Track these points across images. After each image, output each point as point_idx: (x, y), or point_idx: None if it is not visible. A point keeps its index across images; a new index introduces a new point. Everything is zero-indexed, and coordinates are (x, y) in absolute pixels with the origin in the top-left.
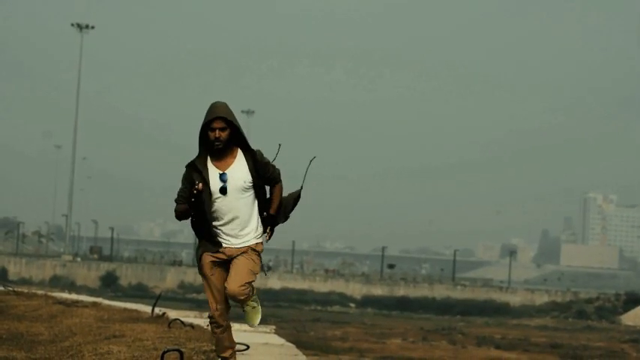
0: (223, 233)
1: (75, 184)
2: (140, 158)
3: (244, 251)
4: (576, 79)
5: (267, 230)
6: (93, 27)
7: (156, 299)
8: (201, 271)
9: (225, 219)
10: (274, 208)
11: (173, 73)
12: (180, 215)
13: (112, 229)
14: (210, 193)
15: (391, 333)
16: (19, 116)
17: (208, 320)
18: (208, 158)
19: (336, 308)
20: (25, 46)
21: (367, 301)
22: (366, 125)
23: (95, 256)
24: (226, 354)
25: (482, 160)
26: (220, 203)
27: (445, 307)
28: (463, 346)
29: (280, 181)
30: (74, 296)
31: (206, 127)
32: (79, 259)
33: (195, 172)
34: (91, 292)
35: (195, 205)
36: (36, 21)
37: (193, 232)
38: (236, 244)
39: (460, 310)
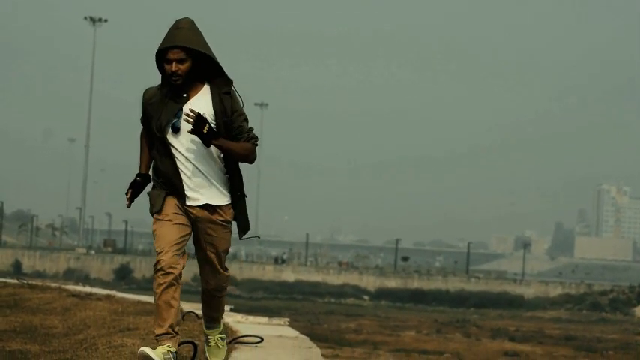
0: (186, 184)
1: (88, 177)
2: None
3: (211, 221)
4: (591, 70)
5: (189, 114)
6: (106, 20)
7: None
8: (156, 210)
9: (180, 165)
10: (227, 141)
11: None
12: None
13: (126, 222)
14: (161, 131)
15: (405, 325)
16: (32, 110)
17: (154, 270)
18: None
19: (350, 301)
20: (37, 40)
21: (381, 294)
22: (379, 117)
23: (109, 248)
24: (162, 329)
25: (496, 152)
26: (174, 145)
27: (459, 299)
28: (477, 339)
29: (253, 145)
30: (88, 289)
31: (161, 57)
32: (92, 251)
33: (148, 104)
34: (104, 284)
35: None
36: (49, 15)
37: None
38: (200, 201)
39: (474, 303)
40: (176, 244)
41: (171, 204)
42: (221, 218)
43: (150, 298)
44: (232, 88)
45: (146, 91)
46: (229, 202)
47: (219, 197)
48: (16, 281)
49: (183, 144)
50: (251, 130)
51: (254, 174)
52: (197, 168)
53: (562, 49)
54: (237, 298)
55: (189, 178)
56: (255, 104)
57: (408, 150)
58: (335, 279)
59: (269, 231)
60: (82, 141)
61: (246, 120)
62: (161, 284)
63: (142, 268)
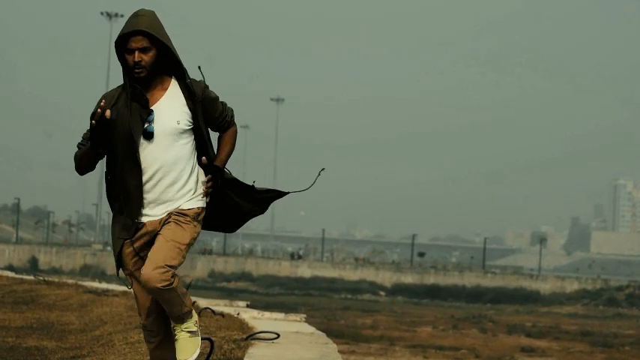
0: (146, 200)
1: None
2: None
3: (172, 216)
4: (603, 62)
5: (206, 186)
6: (122, 15)
7: (186, 288)
8: (121, 266)
9: (149, 175)
10: (222, 160)
11: (200, 60)
12: (79, 162)
13: None
14: (128, 139)
15: (421, 321)
16: (48, 104)
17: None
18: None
19: (367, 296)
20: (54, 35)
21: (397, 290)
22: (397, 119)
23: None
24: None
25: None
26: (144, 153)
27: (475, 295)
28: (493, 334)
29: (234, 124)
30: (104, 285)
31: (122, 49)
32: (109, 248)
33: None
34: (121, 281)
35: (97, 142)
36: (65, 10)
37: (108, 203)
38: (160, 214)
39: (490, 298)
40: (152, 308)
41: (129, 254)
42: (182, 216)
43: None
44: (189, 80)
45: (105, 97)
46: (197, 206)
47: (186, 202)
48: (32, 278)
49: (153, 152)
50: (227, 107)
51: (270, 171)
52: (166, 177)
53: (576, 50)
54: (253, 294)
55: (153, 192)
56: (272, 99)
57: (427, 147)
58: (351, 275)
59: (285, 227)
60: None
61: (219, 100)
62: (151, 342)
63: None
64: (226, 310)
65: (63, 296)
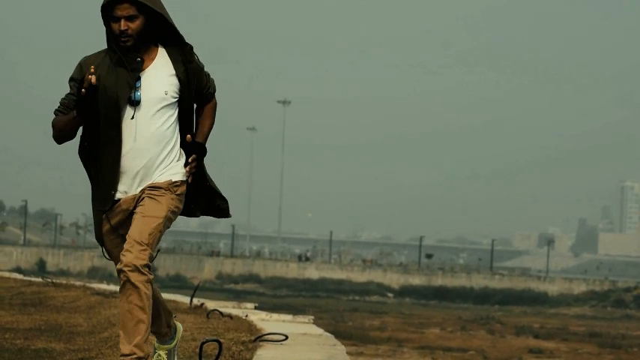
0: (123, 171)
1: None
2: None
3: (145, 192)
4: (606, 64)
5: (190, 166)
6: None
7: (194, 290)
8: (101, 243)
9: (130, 145)
10: (204, 134)
11: (213, 57)
12: (59, 131)
13: None
14: (112, 105)
15: (429, 323)
16: (48, 104)
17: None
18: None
19: (374, 298)
20: (55, 35)
21: (405, 291)
22: (404, 121)
23: None
24: (135, 339)
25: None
26: (126, 121)
27: (483, 296)
28: (501, 336)
29: (214, 97)
30: (112, 287)
31: (108, 16)
32: None
33: (91, 72)
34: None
35: (85, 112)
36: (65, 9)
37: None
38: (135, 189)
39: (498, 300)
40: None
41: (107, 232)
42: (155, 190)
43: (174, 296)
44: (195, 55)
45: (85, 60)
46: (171, 179)
47: (159, 176)
48: (40, 280)
49: (137, 122)
50: (210, 78)
51: (277, 171)
52: (148, 150)
53: (580, 52)
54: (261, 295)
55: (132, 163)
56: (278, 101)
57: (431, 149)
58: (359, 276)
59: (292, 229)
60: None
61: (204, 70)
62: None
63: (165, 267)
64: (234, 311)
65: (71, 298)
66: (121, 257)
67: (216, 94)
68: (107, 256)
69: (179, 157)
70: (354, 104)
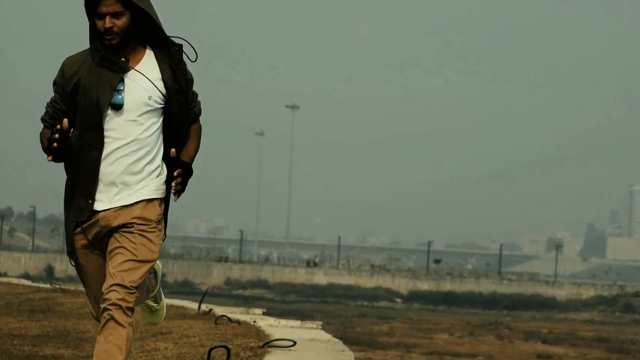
0: (102, 178)
1: None
2: None
3: (130, 222)
4: (615, 72)
5: (175, 182)
6: None
7: (202, 296)
8: (73, 259)
9: (110, 150)
10: (190, 156)
11: (218, 58)
12: (48, 145)
13: None
14: (93, 108)
15: (438, 328)
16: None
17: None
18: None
19: (383, 303)
20: (55, 34)
21: (413, 297)
22: (409, 123)
23: None
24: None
25: (527, 154)
26: (108, 124)
27: (492, 301)
28: (510, 341)
29: (199, 120)
30: None
31: (92, 12)
32: None
33: (74, 74)
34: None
35: (60, 159)
36: (65, 9)
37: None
38: (119, 204)
39: (506, 305)
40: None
41: (81, 246)
42: (141, 220)
43: (182, 302)
44: (184, 54)
45: (68, 61)
46: (160, 197)
47: (142, 190)
48: (48, 286)
49: (119, 126)
50: (196, 95)
51: (285, 178)
52: (128, 156)
53: (594, 61)
54: (269, 301)
55: (111, 170)
56: (287, 106)
57: (439, 154)
58: (367, 282)
59: (301, 234)
60: None
61: (193, 83)
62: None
63: (174, 272)
64: (242, 317)
65: (79, 304)
66: (107, 294)
67: (219, 97)
68: (79, 275)
69: (160, 170)
70: (353, 105)
